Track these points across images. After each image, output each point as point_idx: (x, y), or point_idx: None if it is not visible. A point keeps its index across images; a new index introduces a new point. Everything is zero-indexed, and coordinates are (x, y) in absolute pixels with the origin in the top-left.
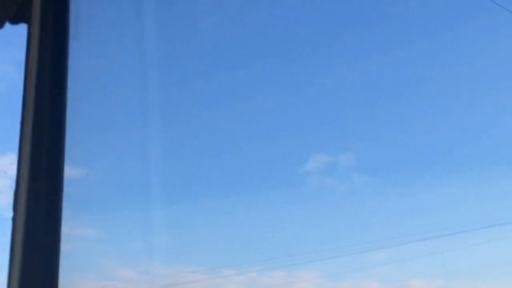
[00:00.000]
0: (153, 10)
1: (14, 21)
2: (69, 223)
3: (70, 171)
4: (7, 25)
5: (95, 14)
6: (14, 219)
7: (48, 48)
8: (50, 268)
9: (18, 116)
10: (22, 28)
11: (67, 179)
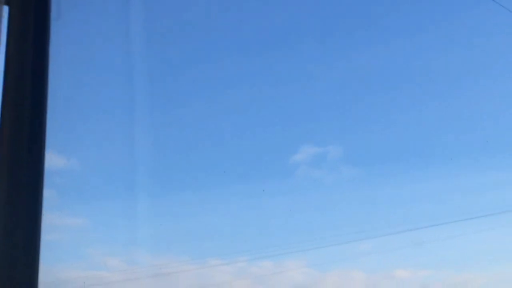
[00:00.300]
0: None
1: None
2: (55, 212)
3: (57, 161)
4: None
5: None
6: None
7: (29, 30)
8: (30, 258)
9: None
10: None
11: (53, 169)
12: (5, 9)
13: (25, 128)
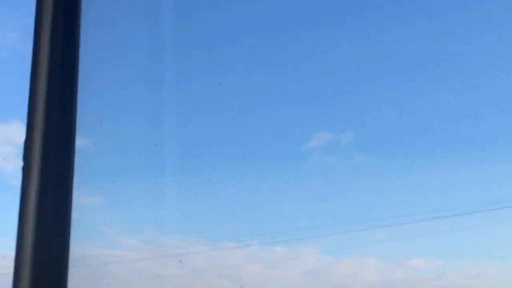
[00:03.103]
0: None
1: None
2: (77, 191)
3: (79, 140)
4: None
5: None
6: (24, 188)
7: (59, 12)
8: (61, 236)
9: (20, 84)
10: None
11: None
12: None
13: (55, 108)
